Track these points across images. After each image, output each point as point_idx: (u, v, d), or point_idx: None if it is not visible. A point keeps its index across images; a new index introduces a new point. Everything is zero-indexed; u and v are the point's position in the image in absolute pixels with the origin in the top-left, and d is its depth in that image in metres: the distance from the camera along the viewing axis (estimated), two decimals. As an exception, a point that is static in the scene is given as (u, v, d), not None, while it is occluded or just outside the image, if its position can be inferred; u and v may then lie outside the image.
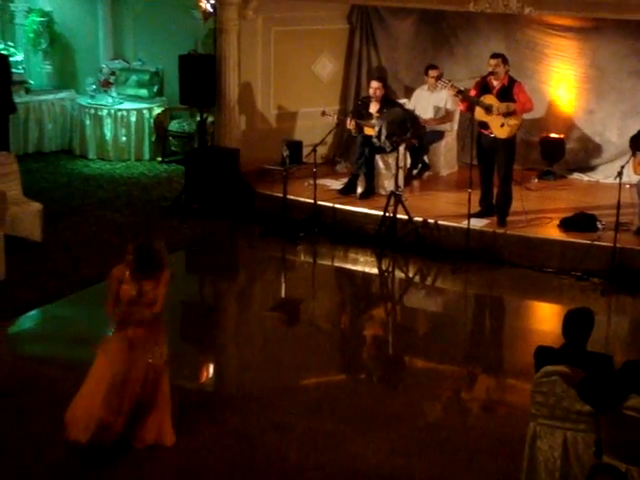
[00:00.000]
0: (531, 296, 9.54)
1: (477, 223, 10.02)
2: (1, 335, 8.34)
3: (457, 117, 11.86)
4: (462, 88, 10.04)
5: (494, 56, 9.96)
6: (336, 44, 12.59)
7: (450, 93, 10.46)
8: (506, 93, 9.88)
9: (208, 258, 10.47)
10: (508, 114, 9.80)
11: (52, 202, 11.15)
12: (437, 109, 11.68)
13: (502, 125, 9.85)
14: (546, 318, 9.29)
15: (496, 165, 10.11)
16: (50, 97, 13.92)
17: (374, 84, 11.11)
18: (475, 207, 10.07)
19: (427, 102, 11.69)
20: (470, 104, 9.96)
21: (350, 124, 11.02)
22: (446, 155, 11.98)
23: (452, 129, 11.95)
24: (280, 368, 7.57)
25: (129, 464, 6.01)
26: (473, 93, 9.99)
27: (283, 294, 9.78)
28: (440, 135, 11.78)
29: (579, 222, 9.91)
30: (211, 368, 8.08)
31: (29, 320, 8.61)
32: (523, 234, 9.87)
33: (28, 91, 13.85)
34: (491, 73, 9.87)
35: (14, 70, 12.75)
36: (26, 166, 12.10)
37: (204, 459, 6.11)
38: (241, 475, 5.96)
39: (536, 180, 11.54)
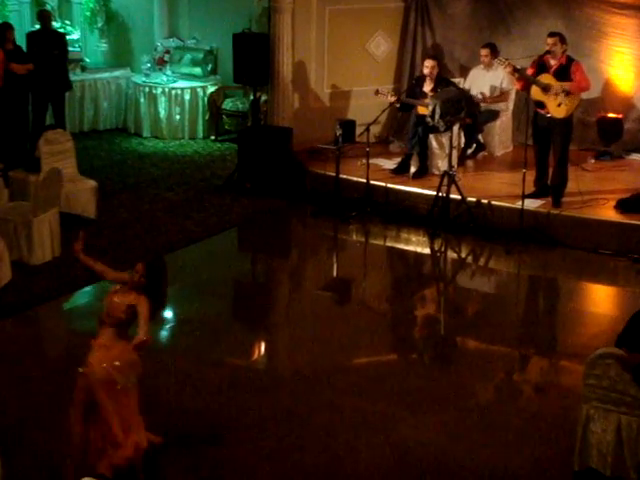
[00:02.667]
0: (586, 278, 9.41)
1: (531, 204, 9.89)
2: (56, 311, 8.46)
3: (513, 96, 11.71)
4: (519, 67, 9.90)
5: (551, 35, 9.80)
6: (391, 23, 12.49)
7: (507, 71, 10.31)
8: (563, 72, 9.72)
9: (260, 237, 10.49)
10: (565, 93, 9.65)
11: (106, 180, 11.27)
12: (493, 88, 11.53)
13: (559, 105, 9.70)
14: (601, 300, 9.16)
15: (552, 145, 9.97)
16: (105, 75, 14.03)
17: (429, 63, 11.01)
18: (530, 187, 9.94)
19: (483, 81, 11.56)
20: (527, 83, 9.82)
21: (390, 97, 10.89)
22: (501, 135, 11.84)
23: (507, 108, 11.80)
24: (331, 347, 7.56)
25: (182, 442, 6.04)
26: (530, 72, 9.85)
27: (335, 273, 9.77)
28: (495, 114, 11.64)
29: (636, 203, 9.73)
30: (262, 347, 8.10)
31: (83, 296, 8.70)
32: (578, 215, 9.73)
33: (84, 69, 13.97)
34: (548, 52, 9.72)
35: (70, 48, 12.84)
36: (81, 144, 12.22)
37: (255, 437, 6.13)
38: (291, 453, 5.97)
39: (593, 160, 11.36)
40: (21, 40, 11.79)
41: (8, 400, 6.57)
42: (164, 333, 7.99)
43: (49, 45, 11.65)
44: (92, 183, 10.10)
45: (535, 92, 9.75)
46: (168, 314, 8.45)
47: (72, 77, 12.64)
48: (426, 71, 10.99)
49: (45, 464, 5.76)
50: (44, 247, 8.91)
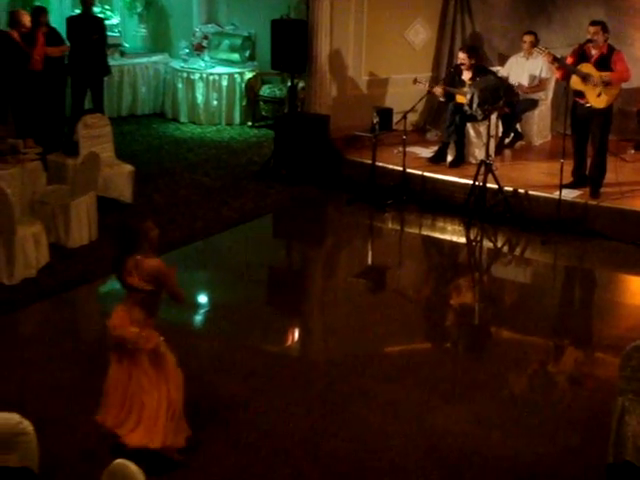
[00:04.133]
0: (623, 270, 9.31)
1: (569, 194, 9.80)
2: (93, 294, 8.52)
3: (552, 85, 11.61)
4: (559, 56, 9.80)
5: (593, 23, 9.68)
6: (430, 11, 12.43)
7: (546, 60, 10.21)
8: (604, 62, 9.61)
9: (295, 223, 10.49)
10: (605, 83, 9.54)
11: (143, 164, 11.31)
12: (532, 77, 11.44)
13: (599, 95, 9.60)
14: (638, 292, 9.06)
15: (591, 135, 9.87)
16: (144, 60, 14.10)
17: (461, 55, 10.94)
18: (567, 178, 9.85)
19: (522, 69, 11.46)
20: (566, 72, 9.72)
21: (437, 89, 10.86)
22: (539, 124, 11.75)
23: (546, 97, 11.71)
24: (365, 335, 7.55)
25: (217, 427, 6.07)
26: (570, 61, 9.74)
27: (369, 261, 9.75)
28: (534, 103, 11.54)
29: (676, 195, 9.64)
30: (296, 333, 8.10)
31: (119, 280, 8.75)
32: (616, 206, 9.63)
33: (123, 54, 14.05)
34: (589, 41, 9.60)
35: (110, 33, 12.92)
36: (119, 128, 12.30)
37: (287, 422, 6.14)
38: (323, 439, 5.97)
39: (632, 151, 11.23)
40: (61, 25, 11.88)
41: (43, 381, 6.64)
42: (198, 317, 8.03)
43: (89, 30, 11.72)
44: (129, 167, 10.15)
45: (575, 82, 9.65)
46: (203, 299, 8.50)
47: (111, 62, 12.71)
48: (459, 62, 10.93)
49: (80, 445, 5.81)
50: (81, 230, 8.98)
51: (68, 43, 11.51)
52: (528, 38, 11.28)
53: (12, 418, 4.32)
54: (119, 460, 3.98)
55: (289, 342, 7.83)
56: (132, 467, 3.91)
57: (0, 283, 8.03)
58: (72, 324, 7.91)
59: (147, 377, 5.51)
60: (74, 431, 5.96)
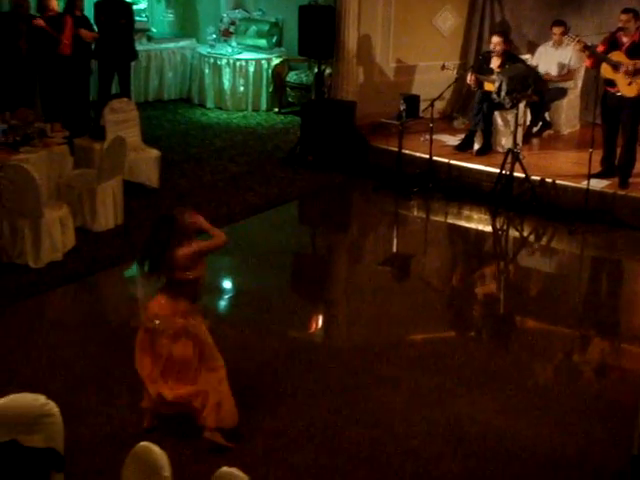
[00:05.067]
0: (651, 261, 9.25)
1: (597, 184, 9.72)
2: (118, 278, 8.55)
3: (581, 75, 11.50)
4: (589, 44, 9.70)
5: (625, 11, 9.56)
6: (459, -3, 12.36)
7: (576, 49, 10.11)
8: (636, 50, 9.49)
9: (321, 210, 10.48)
10: (637, 72, 9.44)
11: (169, 149, 11.34)
12: (561, 66, 11.34)
13: (630, 83, 9.50)
14: (666, 284, 9.00)
15: (621, 125, 9.77)
16: (171, 45, 14.11)
17: (494, 39, 10.86)
18: (596, 167, 9.77)
19: (551, 58, 11.36)
20: (597, 61, 9.61)
21: (470, 79, 10.81)
22: (568, 113, 11.66)
23: (576, 86, 11.60)
24: (389, 322, 7.54)
25: (241, 411, 6.08)
26: (601, 49, 9.63)
27: (394, 249, 9.73)
28: (563, 92, 11.45)
29: None
30: (320, 319, 8.10)
31: (145, 264, 8.78)
32: (646, 197, 9.55)
33: (150, 39, 14.08)
34: (621, 29, 9.50)
35: (137, 18, 12.92)
36: (146, 113, 12.32)
37: (309, 409, 6.14)
38: (346, 425, 5.96)
39: (662, 141, 11.11)
40: (89, 10, 11.89)
41: (70, 363, 6.67)
42: (223, 303, 8.05)
43: (116, 14, 11.72)
44: (155, 152, 10.17)
45: (605, 70, 9.55)
46: (227, 284, 8.51)
47: (138, 47, 12.72)
48: (491, 47, 10.84)
49: (104, 427, 5.84)
50: (107, 214, 9.01)
51: (96, 28, 11.52)
52: (557, 30, 11.16)
53: (38, 399, 4.35)
54: (143, 443, 4.00)
55: (313, 328, 7.83)
56: (156, 449, 3.92)
57: (27, 266, 8.08)
58: (98, 307, 7.94)
59: (188, 360, 5.53)
60: (99, 413, 5.99)
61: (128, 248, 8.65)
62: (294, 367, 6.67)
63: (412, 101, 10.63)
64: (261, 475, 5.29)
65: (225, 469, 3.82)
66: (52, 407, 4.33)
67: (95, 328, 7.28)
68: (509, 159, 9.85)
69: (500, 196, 9.92)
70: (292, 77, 13.67)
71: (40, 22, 10.67)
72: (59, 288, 7.96)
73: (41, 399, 4.35)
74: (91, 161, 9.51)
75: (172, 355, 5.52)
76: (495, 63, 10.79)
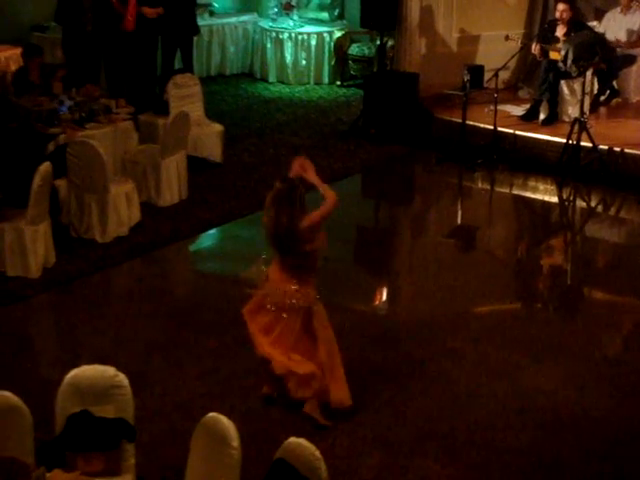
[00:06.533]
0: None
1: (668, 152, 9.53)
2: (183, 252, 8.62)
3: (651, 41, 11.25)
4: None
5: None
6: (523, -35, 12.15)
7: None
8: None
9: (384, 183, 10.43)
10: None
11: (232, 124, 11.35)
12: (630, 32, 11.09)
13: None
14: None
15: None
16: (233, 20, 14.10)
17: (561, 6, 10.64)
18: (666, 135, 9.59)
19: (619, 25, 11.12)
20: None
21: (535, 49, 10.63)
22: (637, 80, 11.41)
23: (645, 53, 11.36)
24: (454, 295, 7.49)
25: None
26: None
27: (459, 221, 9.64)
28: (631, 59, 11.20)
29: None
30: (384, 292, 8.08)
31: (209, 238, 8.85)
32: None
33: (212, 14, 14.07)
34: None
35: (198, -7, 12.93)
36: (208, 88, 12.33)
37: (376, 382, 6.13)
38: (412, 398, 5.95)
39: None
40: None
41: (136, 336, 6.76)
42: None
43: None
44: (219, 127, 10.20)
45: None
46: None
47: (200, 22, 12.70)
48: (558, 14, 10.65)
49: (172, 398, 5.91)
50: (172, 189, 9.07)
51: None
52: (627, -6, 10.94)
53: (108, 371, 4.41)
54: (212, 414, 4.03)
55: (378, 301, 7.82)
56: (224, 420, 3.95)
57: (94, 241, 8.18)
58: (163, 281, 8.01)
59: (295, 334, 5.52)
60: (167, 385, 6.06)
61: (192, 223, 8.70)
62: (359, 340, 6.66)
63: (476, 71, 10.49)
64: (328, 445, 5.30)
65: (293, 439, 3.83)
66: (122, 379, 4.39)
67: (161, 301, 7.36)
68: (576, 129, 9.69)
69: (567, 166, 9.76)
70: (354, 50, 13.59)
71: None
72: (125, 262, 8.04)
73: (111, 371, 4.41)
74: (155, 136, 9.56)
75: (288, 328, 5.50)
76: (561, 31, 10.60)
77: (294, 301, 5.47)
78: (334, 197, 5.46)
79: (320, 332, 5.56)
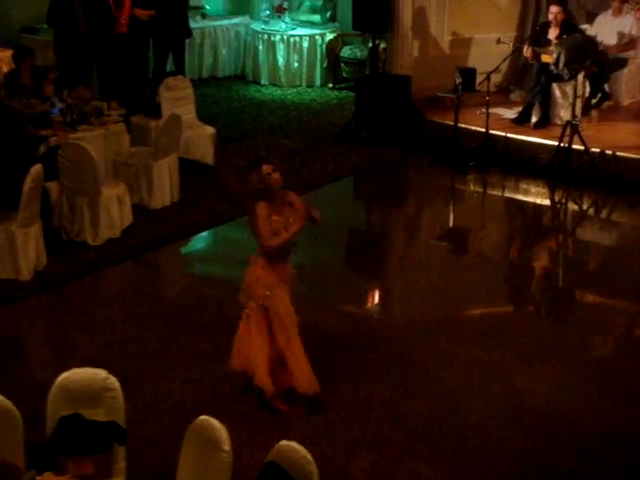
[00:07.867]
0: None
1: (659, 155, 9.55)
2: (174, 255, 8.61)
3: (643, 44, 11.29)
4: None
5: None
6: (515, -32, 12.17)
7: (637, 17, 9.91)
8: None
9: (376, 185, 10.42)
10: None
11: (224, 126, 11.35)
12: (621, 35, 11.12)
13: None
14: None
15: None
16: (225, 22, 14.11)
17: (553, 9, 10.67)
18: (657, 139, 9.61)
19: (610, 28, 11.16)
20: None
21: (526, 51, 10.64)
22: (628, 83, 11.45)
23: (636, 56, 11.39)
24: (445, 297, 7.49)
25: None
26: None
27: (451, 223, 9.65)
28: (623, 62, 11.23)
29: None
30: (376, 295, 8.07)
31: (201, 241, 8.85)
32: None
33: (204, 17, 14.08)
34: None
35: (191, -4, 12.92)
36: (200, 91, 12.34)
37: (368, 383, 6.13)
38: (404, 400, 5.95)
39: None
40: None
41: (127, 339, 6.74)
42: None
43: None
44: (210, 129, 10.20)
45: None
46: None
47: (192, 24, 12.69)
48: (551, 17, 10.67)
49: (163, 401, 5.90)
50: (164, 192, 9.06)
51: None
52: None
53: (99, 374, 4.40)
54: (203, 417, 4.02)
55: (369, 303, 7.81)
56: (215, 423, 3.94)
57: (85, 243, 8.16)
58: (155, 284, 8.00)
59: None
60: (157, 388, 6.04)
61: (184, 225, 8.69)
62: (350, 342, 6.66)
63: (468, 74, 10.51)
64: (319, 449, 5.29)
65: (284, 442, 3.83)
66: (113, 382, 4.38)
67: (153, 304, 7.34)
68: (568, 131, 9.70)
69: (558, 169, 9.78)
70: (346, 52, 13.60)
71: None
72: (117, 265, 8.03)
73: (102, 374, 4.40)
74: (147, 139, 9.56)
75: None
76: (553, 34, 10.62)
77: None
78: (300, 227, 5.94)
79: (275, 318, 5.68)
